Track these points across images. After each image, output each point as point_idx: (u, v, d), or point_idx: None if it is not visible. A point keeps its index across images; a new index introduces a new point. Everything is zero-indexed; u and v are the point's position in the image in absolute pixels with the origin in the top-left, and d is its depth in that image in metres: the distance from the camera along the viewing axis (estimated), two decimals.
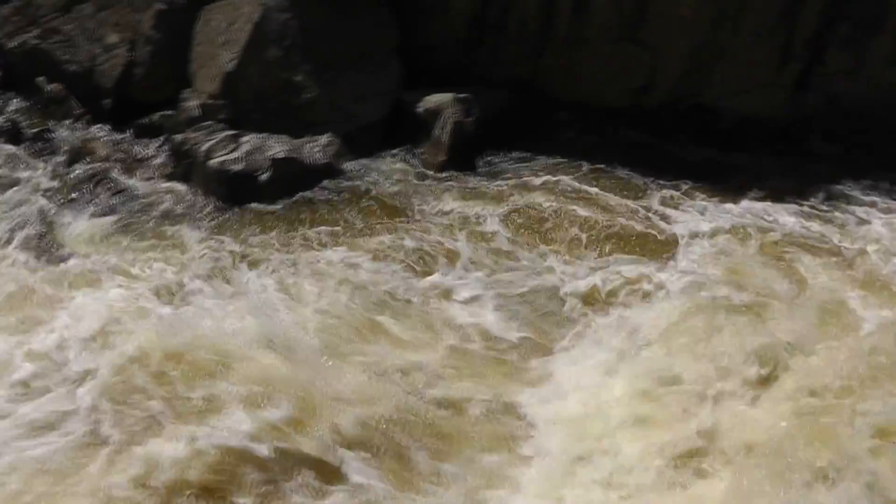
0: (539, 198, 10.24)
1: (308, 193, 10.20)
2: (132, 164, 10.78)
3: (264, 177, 10.18)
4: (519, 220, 9.85)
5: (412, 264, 9.05)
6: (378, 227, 9.70)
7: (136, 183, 10.44)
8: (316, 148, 10.61)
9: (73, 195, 10.16)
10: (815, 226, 9.97)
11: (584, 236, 9.60)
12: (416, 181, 10.60)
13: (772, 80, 11.51)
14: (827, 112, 11.52)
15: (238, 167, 10.20)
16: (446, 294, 8.66)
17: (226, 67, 10.96)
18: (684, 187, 10.63)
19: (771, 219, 10.09)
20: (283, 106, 10.99)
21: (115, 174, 10.53)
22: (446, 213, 9.97)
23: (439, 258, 9.17)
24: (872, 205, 10.45)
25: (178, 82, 11.30)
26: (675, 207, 10.28)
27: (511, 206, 10.07)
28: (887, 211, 10.33)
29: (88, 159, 10.74)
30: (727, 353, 7.53)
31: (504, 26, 11.66)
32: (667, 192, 10.54)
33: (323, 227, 9.66)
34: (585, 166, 10.92)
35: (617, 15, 11.38)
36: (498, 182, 10.62)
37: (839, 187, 10.74)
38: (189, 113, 10.95)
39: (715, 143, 11.41)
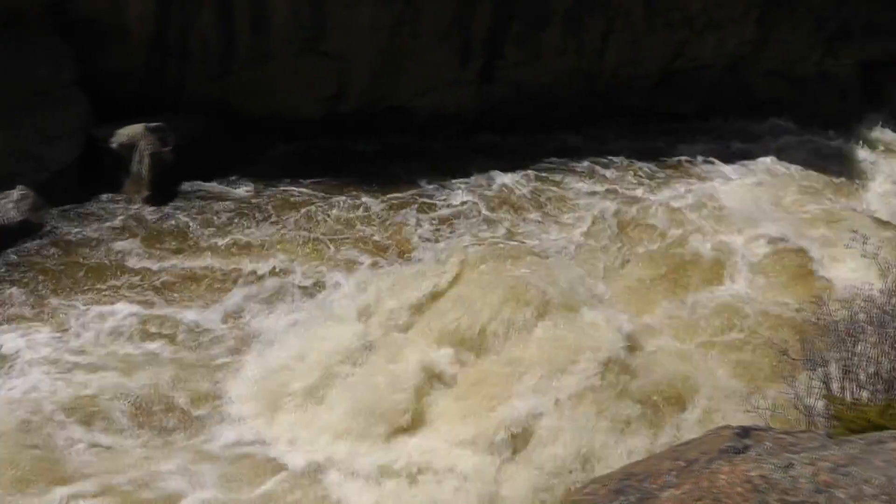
0: (248, 222, 10.36)
1: (5, 259, 9.58)
2: None
3: None
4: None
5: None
6: (82, 287, 9.31)
7: None
8: (9, 204, 10.01)
9: None
10: None
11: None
12: (118, 224, 10.26)
13: (456, 78, 12.03)
14: (513, 100, 12.21)
15: None
16: None
17: None
18: (363, 195, 11.00)
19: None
20: None
21: None
22: (152, 262, 9.74)
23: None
24: None
25: None
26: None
27: (216, 240, 10.09)
28: None
29: None
30: None
31: (186, 48, 11.35)
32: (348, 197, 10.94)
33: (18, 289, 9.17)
34: (286, 180, 11.09)
35: (297, 28, 11.36)
36: (203, 213, 10.55)
37: None
38: None
39: (410, 140, 11.88)
